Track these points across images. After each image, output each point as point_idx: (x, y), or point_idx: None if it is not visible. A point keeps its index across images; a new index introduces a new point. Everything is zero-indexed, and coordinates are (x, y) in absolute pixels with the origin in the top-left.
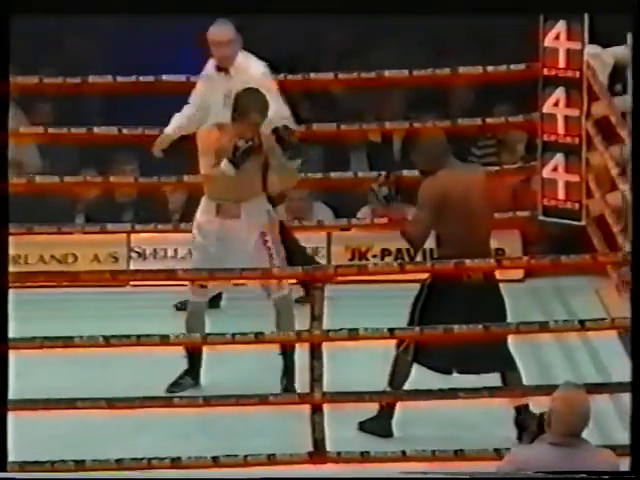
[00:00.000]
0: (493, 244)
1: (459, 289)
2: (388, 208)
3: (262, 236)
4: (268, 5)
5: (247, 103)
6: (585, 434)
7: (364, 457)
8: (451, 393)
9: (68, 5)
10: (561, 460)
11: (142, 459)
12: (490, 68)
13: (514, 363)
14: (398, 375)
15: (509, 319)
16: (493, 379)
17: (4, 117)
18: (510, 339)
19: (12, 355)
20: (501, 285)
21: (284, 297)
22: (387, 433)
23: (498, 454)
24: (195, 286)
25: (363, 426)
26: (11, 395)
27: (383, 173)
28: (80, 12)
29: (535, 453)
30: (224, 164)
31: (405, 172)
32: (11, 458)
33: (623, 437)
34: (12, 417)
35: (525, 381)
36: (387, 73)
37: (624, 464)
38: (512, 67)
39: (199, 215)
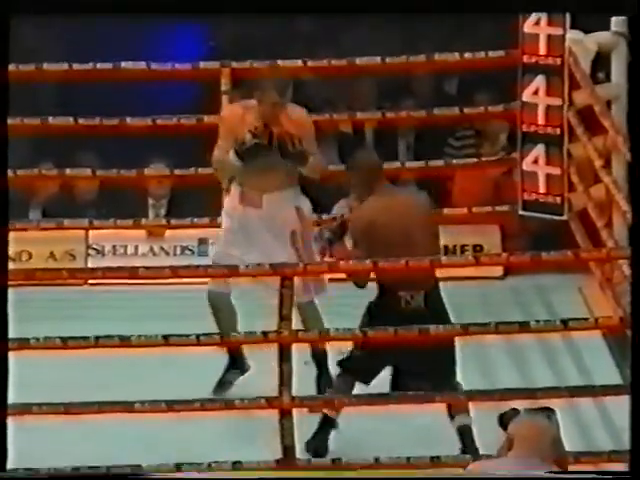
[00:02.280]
0: (472, 240)
1: (398, 318)
2: (331, 249)
3: (292, 235)
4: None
5: (267, 81)
6: (569, 436)
7: (335, 464)
8: (427, 397)
9: (68, 5)
10: (524, 471)
11: (99, 467)
12: (467, 55)
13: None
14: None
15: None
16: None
17: (3, 111)
18: (490, 339)
19: None
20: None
21: (309, 303)
22: (324, 452)
23: (475, 461)
24: None
25: (308, 447)
26: None
27: (332, 216)
28: (80, 12)
29: (499, 465)
30: (231, 152)
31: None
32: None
33: (607, 442)
34: None
35: (506, 383)
36: (359, 60)
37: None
38: (490, 54)
39: (226, 199)
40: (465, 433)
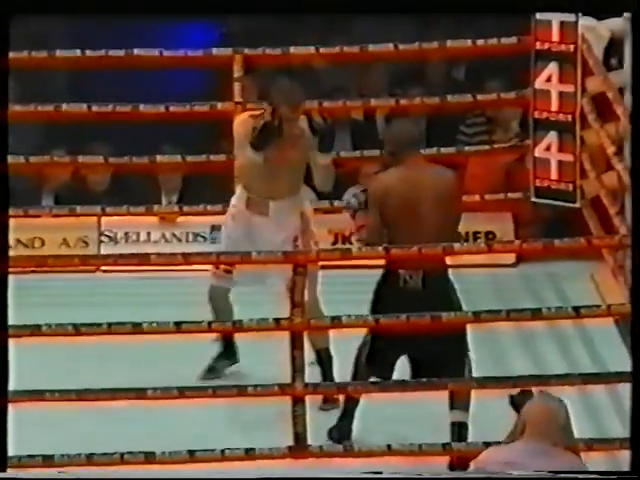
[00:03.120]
0: (484, 227)
1: (396, 296)
2: (354, 218)
3: (294, 240)
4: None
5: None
6: (580, 425)
7: (347, 451)
8: (440, 384)
9: (68, 5)
10: (533, 457)
11: (114, 454)
12: (480, 41)
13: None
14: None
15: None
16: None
17: (3, 97)
18: (502, 327)
19: None
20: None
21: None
22: (348, 437)
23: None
24: (220, 270)
25: (331, 434)
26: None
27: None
28: (80, 12)
29: (508, 452)
30: (248, 150)
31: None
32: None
33: (619, 429)
34: None
35: (518, 371)
36: (371, 47)
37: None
38: (503, 41)
39: (233, 201)
40: (458, 430)
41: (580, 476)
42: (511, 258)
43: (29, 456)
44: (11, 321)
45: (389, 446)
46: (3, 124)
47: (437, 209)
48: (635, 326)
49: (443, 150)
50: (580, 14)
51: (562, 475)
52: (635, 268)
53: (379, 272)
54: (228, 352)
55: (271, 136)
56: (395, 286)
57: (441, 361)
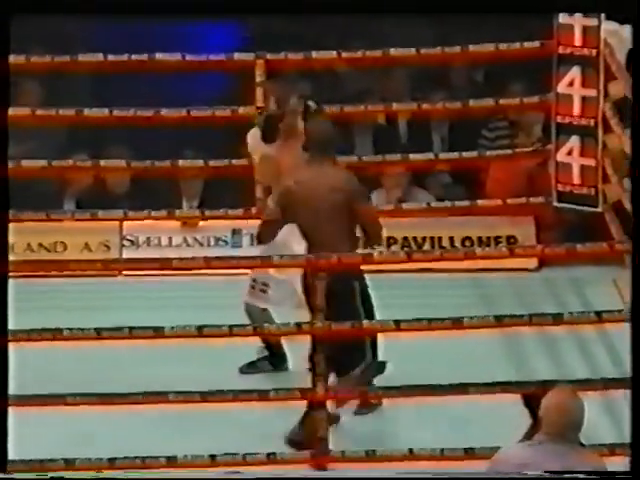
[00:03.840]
0: (506, 231)
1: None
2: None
3: None
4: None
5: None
6: (603, 428)
7: (369, 457)
8: (460, 388)
9: (68, 5)
10: (549, 458)
11: (135, 458)
12: (503, 45)
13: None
14: None
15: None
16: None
17: (3, 104)
18: (524, 331)
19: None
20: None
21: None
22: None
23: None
24: (255, 289)
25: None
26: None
27: None
28: (80, 12)
29: (523, 452)
30: (261, 147)
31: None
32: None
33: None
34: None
35: (540, 375)
36: (393, 51)
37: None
38: (526, 45)
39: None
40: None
41: (580, 476)
42: (533, 263)
43: (50, 460)
44: (32, 325)
45: (411, 450)
46: (3, 127)
47: (333, 213)
48: (635, 329)
49: (465, 154)
50: (603, 17)
51: (562, 475)
52: (635, 273)
53: (400, 276)
54: (274, 358)
55: (277, 125)
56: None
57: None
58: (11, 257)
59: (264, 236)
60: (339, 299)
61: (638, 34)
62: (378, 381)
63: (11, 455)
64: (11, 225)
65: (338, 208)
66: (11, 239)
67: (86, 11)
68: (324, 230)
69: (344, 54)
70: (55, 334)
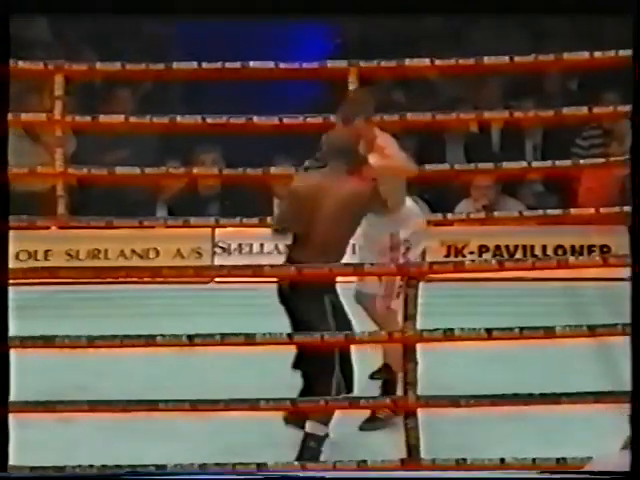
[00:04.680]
0: (599, 240)
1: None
2: None
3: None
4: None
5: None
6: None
7: (459, 464)
8: (553, 398)
9: (68, 5)
10: None
11: (225, 464)
12: (597, 54)
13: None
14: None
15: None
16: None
17: (3, 109)
18: (616, 340)
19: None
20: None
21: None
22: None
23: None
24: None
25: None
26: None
27: None
28: (80, 12)
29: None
30: None
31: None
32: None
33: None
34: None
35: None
36: (486, 59)
37: None
38: (620, 53)
39: None
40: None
41: (580, 476)
42: (627, 272)
43: (103, 466)
44: (126, 331)
45: (502, 460)
46: (3, 134)
47: (331, 222)
48: (635, 339)
49: (558, 163)
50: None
51: (562, 475)
52: (635, 281)
53: (491, 285)
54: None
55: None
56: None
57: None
58: (105, 263)
59: (281, 228)
60: (310, 312)
61: (638, 33)
62: (469, 390)
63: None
64: (104, 232)
65: (338, 218)
66: (104, 245)
67: (86, 11)
68: (319, 235)
69: (437, 62)
70: (148, 341)
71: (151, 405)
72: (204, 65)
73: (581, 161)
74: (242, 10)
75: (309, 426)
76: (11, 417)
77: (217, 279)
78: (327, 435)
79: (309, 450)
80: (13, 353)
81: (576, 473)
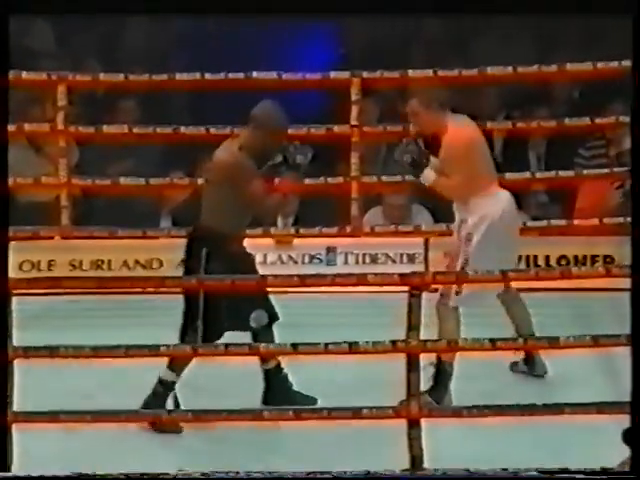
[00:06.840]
0: (602, 250)
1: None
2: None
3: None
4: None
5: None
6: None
7: (463, 474)
8: (555, 408)
9: (68, 5)
10: None
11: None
12: (600, 64)
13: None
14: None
15: None
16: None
17: (3, 119)
18: (620, 351)
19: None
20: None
21: (454, 309)
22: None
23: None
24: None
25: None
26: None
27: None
28: (80, 12)
29: None
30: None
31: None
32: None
33: None
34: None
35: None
36: (490, 69)
37: None
38: (623, 63)
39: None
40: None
41: (580, 476)
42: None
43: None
44: (130, 341)
45: (515, 473)
46: (3, 144)
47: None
48: (636, 343)
49: (561, 174)
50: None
51: (562, 475)
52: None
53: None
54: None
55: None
56: None
57: None
58: (108, 274)
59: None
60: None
61: (638, 32)
62: (473, 400)
63: None
64: (107, 242)
65: (218, 183)
66: (107, 256)
67: (86, 11)
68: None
69: (440, 72)
70: (152, 351)
71: (155, 416)
72: (207, 76)
73: (584, 171)
74: (242, 10)
75: (162, 371)
76: (15, 427)
77: None
78: (174, 383)
79: (157, 395)
80: (17, 363)
81: (576, 473)
